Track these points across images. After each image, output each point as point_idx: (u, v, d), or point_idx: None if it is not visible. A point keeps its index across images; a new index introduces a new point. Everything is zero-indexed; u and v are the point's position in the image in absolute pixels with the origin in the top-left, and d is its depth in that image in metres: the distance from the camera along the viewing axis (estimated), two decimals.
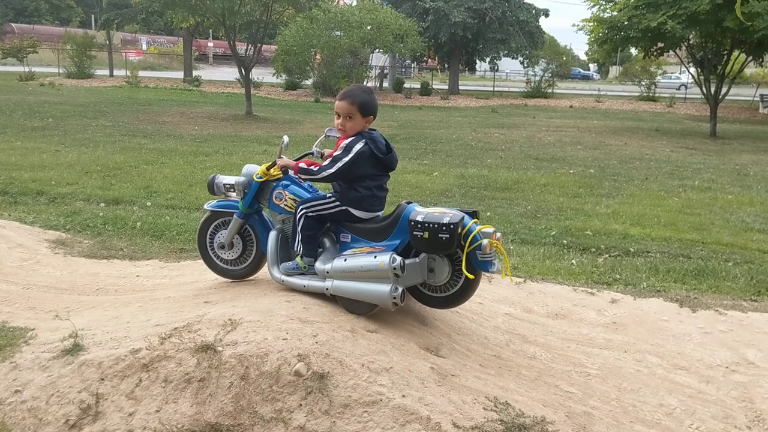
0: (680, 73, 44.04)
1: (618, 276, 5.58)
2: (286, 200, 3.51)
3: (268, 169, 3.56)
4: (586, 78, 67.09)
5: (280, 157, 3.54)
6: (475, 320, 3.84)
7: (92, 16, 56.02)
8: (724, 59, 20.13)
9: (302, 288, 3.36)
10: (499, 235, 3.13)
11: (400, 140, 15.19)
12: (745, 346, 4.00)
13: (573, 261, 6.06)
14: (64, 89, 27.62)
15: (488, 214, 7.82)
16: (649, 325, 4.27)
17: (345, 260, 3.23)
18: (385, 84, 37.82)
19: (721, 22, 17.01)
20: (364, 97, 3.32)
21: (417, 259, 3.18)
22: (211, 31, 48.77)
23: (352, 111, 3.31)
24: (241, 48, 21.59)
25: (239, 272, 3.83)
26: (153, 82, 33.20)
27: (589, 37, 21.68)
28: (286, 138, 3.63)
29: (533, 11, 38.24)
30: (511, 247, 6.40)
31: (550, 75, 37.44)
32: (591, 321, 4.30)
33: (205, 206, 3.85)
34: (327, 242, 3.41)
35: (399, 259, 3.10)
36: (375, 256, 3.15)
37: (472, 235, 3.05)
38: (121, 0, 34.54)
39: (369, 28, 30.47)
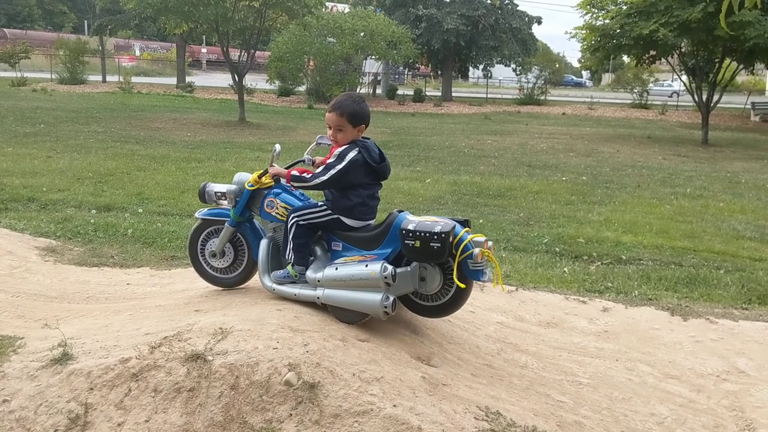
0: (672, 81, 44.28)
1: (610, 284, 5.59)
2: (277, 208, 3.50)
3: (259, 177, 3.55)
4: (579, 85, 67.48)
5: (272, 166, 3.53)
6: (467, 329, 3.83)
7: (85, 21, 55.91)
8: (716, 67, 20.26)
9: (293, 297, 3.35)
10: (490, 244, 3.13)
11: (392, 147, 15.20)
12: (736, 354, 4.01)
13: (565, 269, 6.07)
14: (57, 95, 27.57)
15: (481, 221, 7.83)
16: (641, 333, 4.27)
17: (336, 269, 3.22)
18: (378, 91, 37.89)
19: (712, 30, 17.15)
20: (353, 108, 3.30)
21: (408, 268, 3.17)
22: (204, 37, 48.83)
23: (341, 123, 3.30)
24: (235, 54, 21.61)
25: (230, 280, 3.82)
26: (146, 88, 33.18)
27: (581, 44, 21.84)
28: (278, 146, 3.62)
29: (526, 18, 38.45)
30: (504, 255, 6.40)
31: (542, 82, 37.67)
32: (582, 330, 4.30)
33: (197, 214, 3.83)
34: (318, 251, 3.40)
35: (390, 267, 3.09)
36: (366, 265, 3.14)
37: (463, 244, 3.04)
38: (115, 6, 34.47)
39: (362, 35, 30.55)
